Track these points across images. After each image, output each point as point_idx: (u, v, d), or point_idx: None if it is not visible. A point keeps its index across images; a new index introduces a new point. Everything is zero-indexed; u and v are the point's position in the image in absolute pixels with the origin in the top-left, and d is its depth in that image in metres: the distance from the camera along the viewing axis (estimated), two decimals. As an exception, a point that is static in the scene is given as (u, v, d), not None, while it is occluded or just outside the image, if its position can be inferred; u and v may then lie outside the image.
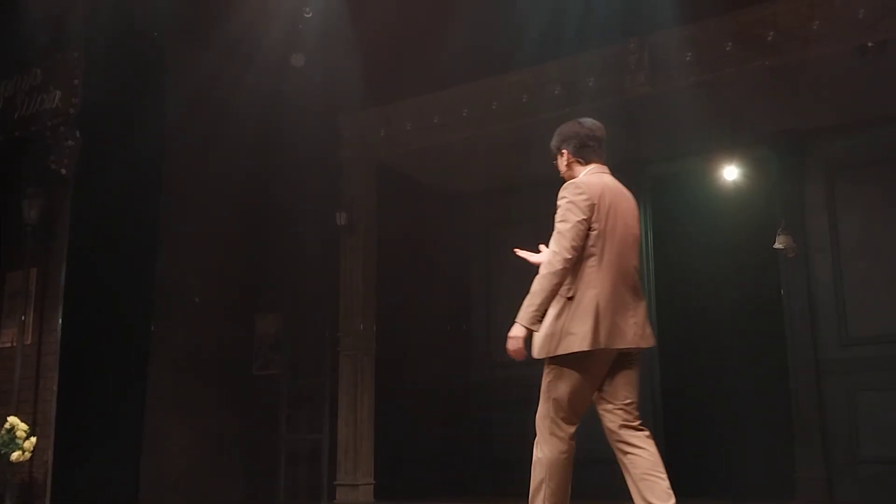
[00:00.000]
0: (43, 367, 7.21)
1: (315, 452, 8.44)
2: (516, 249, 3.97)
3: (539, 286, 3.57)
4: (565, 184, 3.81)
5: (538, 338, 3.63)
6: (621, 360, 3.65)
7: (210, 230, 8.61)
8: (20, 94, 7.80)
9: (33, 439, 6.77)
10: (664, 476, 3.49)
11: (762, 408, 8.10)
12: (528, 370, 8.81)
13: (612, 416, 3.66)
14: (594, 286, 3.55)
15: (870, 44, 6.23)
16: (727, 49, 6.64)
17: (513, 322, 3.60)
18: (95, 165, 7.33)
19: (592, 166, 3.88)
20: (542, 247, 3.79)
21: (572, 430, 3.64)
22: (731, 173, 8.38)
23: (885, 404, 7.04)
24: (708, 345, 8.45)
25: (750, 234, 8.11)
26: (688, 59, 6.80)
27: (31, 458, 6.80)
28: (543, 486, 3.58)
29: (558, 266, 3.55)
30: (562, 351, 3.54)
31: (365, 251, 8.31)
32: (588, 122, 3.97)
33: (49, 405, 7.08)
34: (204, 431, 8.42)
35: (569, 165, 3.94)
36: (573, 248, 3.56)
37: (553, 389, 3.62)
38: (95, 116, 7.39)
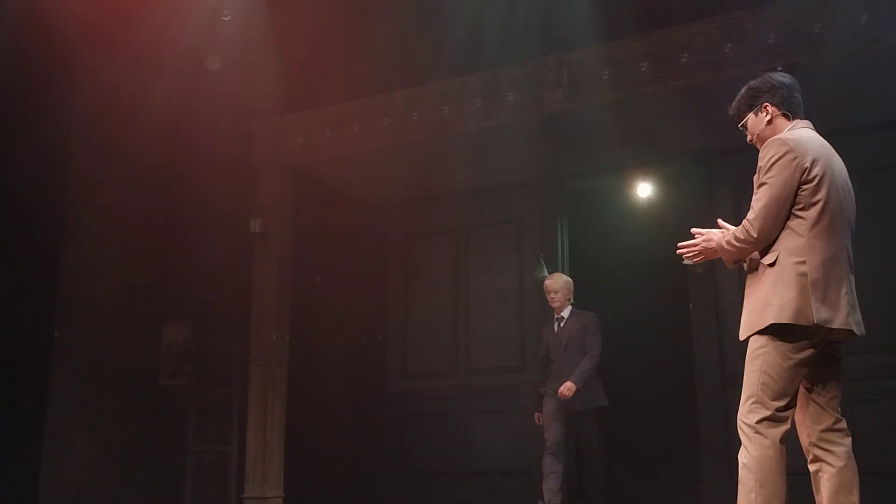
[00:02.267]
0: (-65, 375, 6.90)
1: (223, 465, 8.25)
2: (679, 244, 3.57)
3: (733, 248, 3.30)
4: (769, 140, 3.33)
5: (743, 315, 3.31)
6: (827, 346, 3.24)
7: (117, 235, 8.36)
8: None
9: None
10: (857, 499, 3.18)
11: (671, 419, 8.27)
12: (443, 382, 8.87)
13: (813, 417, 3.28)
14: (801, 253, 3.15)
15: (779, 68, 6.43)
16: (643, 69, 6.78)
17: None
18: (-2, 167, 7.08)
19: (799, 122, 3.42)
20: (720, 221, 3.52)
21: (782, 429, 3.17)
22: (644, 190, 8.56)
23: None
24: (619, 357, 8.58)
25: (662, 248, 8.26)
26: (605, 77, 6.92)
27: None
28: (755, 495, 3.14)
29: (753, 234, 3.22)
30: (760, 325, 3.19)
31: (279, 259, 8.17)
32: (787, 74, 3.53)
33: (-60, 414, 6.78)
34: (107, 442, 8.15)
35: (771, 122, 3.44)
36: (773, 215, 3.18)
37: (753, 376, 3.21)
38: (-1, 117, 7.14)
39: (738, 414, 3.29)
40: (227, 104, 7.92)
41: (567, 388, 6.60)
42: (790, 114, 3.43)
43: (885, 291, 7.18)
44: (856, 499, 3.20)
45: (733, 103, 3.59)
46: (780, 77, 3.49)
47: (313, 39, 7.64)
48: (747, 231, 3.25)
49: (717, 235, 3.46)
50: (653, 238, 8.44)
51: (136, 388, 8.51)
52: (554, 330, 7.06)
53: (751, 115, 3.51)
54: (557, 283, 7.07)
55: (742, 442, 3.24)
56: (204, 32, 7.33)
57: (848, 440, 3.28)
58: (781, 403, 3.19)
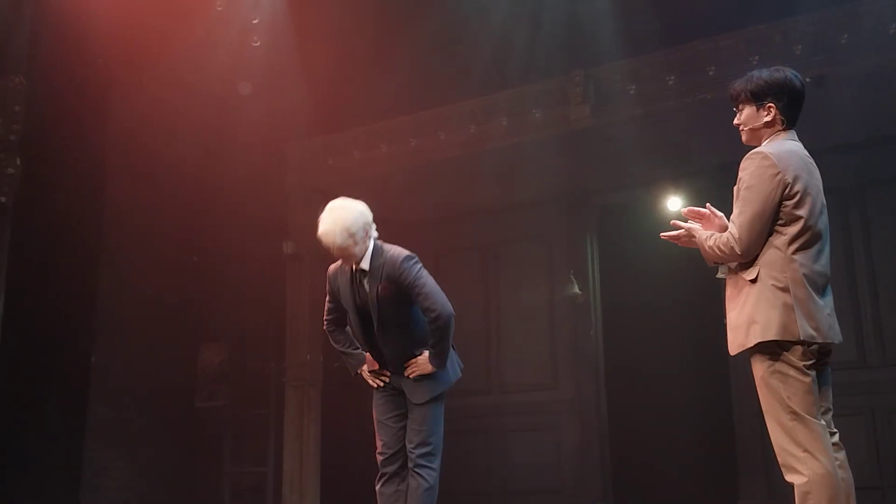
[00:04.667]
0: (-23, 400, 7.01)
1: (259, 486, 8.29)
2: (662, 234, 3.58)
3: (715, 254, 3.27)
4: (751, 152, 3.30)
5: (729, 332, 3.26)
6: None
7: (153, 259, 8.48)
8: (-41, 121, 7.63)
9: (-35, 475, 6.56)
10: None
11: (706, 433, 8.21)
12: (475, 400, 8.87)
13: None
14: (782, 269, 3.15)
15: (807, 79, 6.41)
16: (670, 83, 6.79)
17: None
18: (36, 193, 7.21)
19: (789, 133, 3.39)
20: (708, 205, 3.52)
21: (826, 441, 3.08)
22: (674, 204, 8.52)
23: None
24: (654, 372, 8.53)
25: (694, 263, 8.22)
26: (631, 92, 6.94)
27: (-38, 494, 6.59)
28: None
29: (738, 252, 3.20)
30: (749, 343, 3.16)
31: (312, 280, 8.25)
32: (799, 77, 3.42)
33: (-17, 439, 6.88)
34: (145, 465, 8.23)
35: (770, 124, 3.38)
36: (757, 232, 3.18)
37: (772, 393, 3.12)
38: (37, 143, 7.27)
39: (774, 441, 3.16)
40: (257, 128, 8.04)
41: (422, 368, 4.58)
42: (785, 122, 3.40)
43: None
44: None
45: (739, 82, 3.47)
46: (796, 83, 3.40)
47: (341, 63, 7.75)
48: (732, 248, 3.23)
49: (700, 232, 3.47)
50: (684, 253, 8.37)
51: (173, 410, 8.60)
52: (363, 287, 4.47)
53: (751, 107, 3.42)
54: (332, 231, 4.23)
55: (791, 467, 3.10)
56: (234, 58, 7.46)
57: (842, 453, 3.20)
58: (812, 414, 3.12)
